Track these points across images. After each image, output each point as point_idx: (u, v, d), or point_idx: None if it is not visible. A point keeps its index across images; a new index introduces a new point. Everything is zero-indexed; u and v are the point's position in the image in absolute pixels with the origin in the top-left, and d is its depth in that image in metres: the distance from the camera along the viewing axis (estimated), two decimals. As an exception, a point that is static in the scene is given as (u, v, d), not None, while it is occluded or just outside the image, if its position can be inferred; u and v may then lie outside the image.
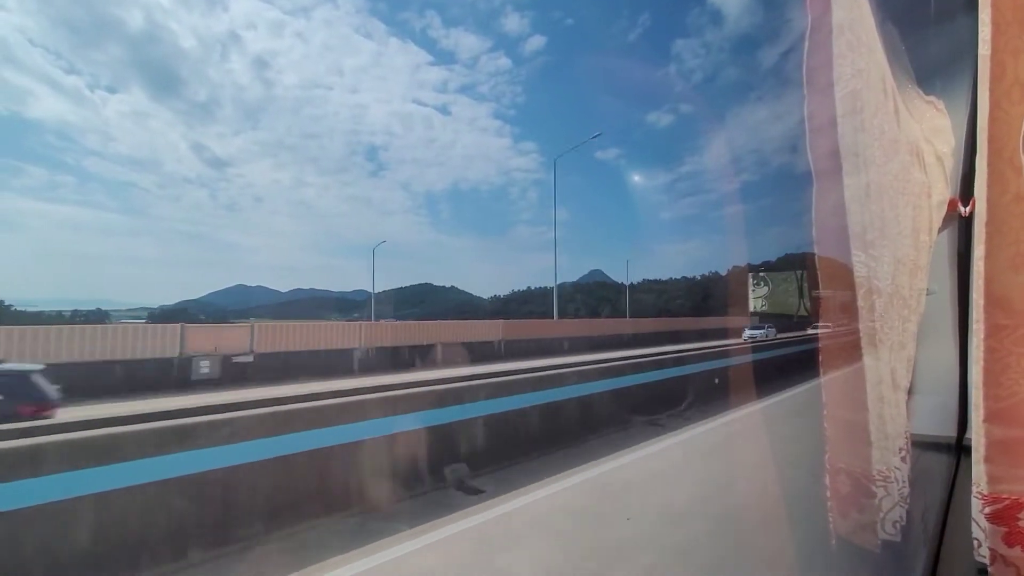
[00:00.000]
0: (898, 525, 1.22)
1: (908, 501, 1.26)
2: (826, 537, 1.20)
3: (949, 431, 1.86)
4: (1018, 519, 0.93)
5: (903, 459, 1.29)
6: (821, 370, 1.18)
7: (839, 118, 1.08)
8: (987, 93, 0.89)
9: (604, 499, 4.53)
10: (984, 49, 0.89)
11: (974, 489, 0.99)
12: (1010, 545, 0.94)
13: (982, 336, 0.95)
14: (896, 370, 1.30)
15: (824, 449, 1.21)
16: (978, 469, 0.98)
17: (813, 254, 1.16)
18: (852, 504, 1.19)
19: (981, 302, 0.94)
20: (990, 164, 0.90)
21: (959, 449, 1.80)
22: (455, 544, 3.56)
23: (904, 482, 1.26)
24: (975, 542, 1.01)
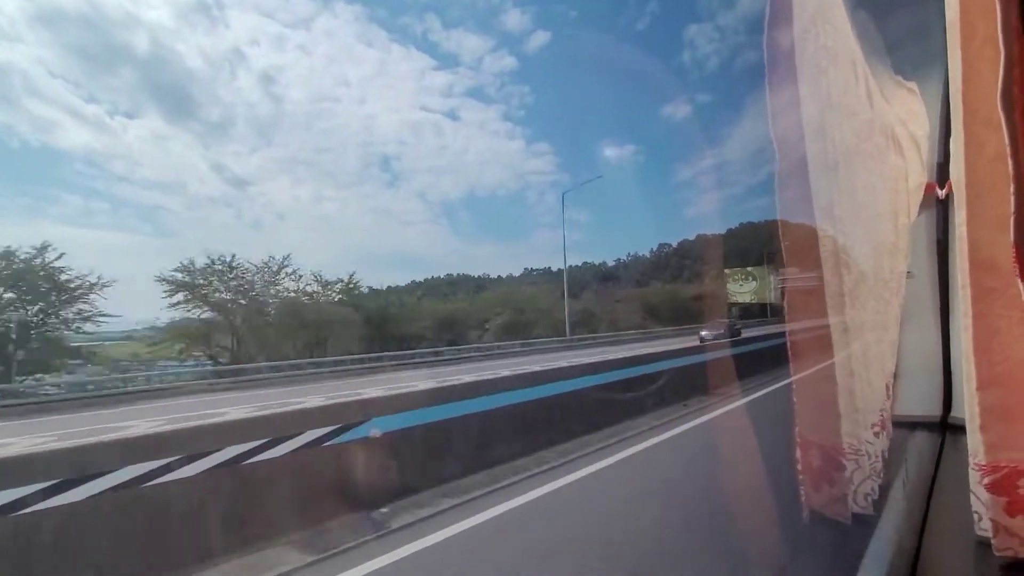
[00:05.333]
0: (870, 498, 1.23)
1: (881, 475, 1.27)
2: (799, 510, 1.20)
3: (933, 411, 1.87)
4: (1018, 487, 0.90)
5: (876, 434, 1.29)
6: (789, 345, 1.19)
7: (802, 94, 1.09)
8: (959, 55, 0.86)
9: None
10: (952, 13, 0.88)
11: (971, 461, 0.96)
12: (1012, 515, 0.90)
13: (969, 302, 0.92)
14: (868, 345, 1.31)
15: (794, 422, 1.22)
16: (974, 439, 0.95)
17: (779, 237, 1.16)
18: (824, 477, 1.20)
19: (966, 267, 0.91)
20: (966, 127, 0.88)
21: (944, 428, 1.81)
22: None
23: (877, 457, 1.27)
24: (975, 515, 0.97)
